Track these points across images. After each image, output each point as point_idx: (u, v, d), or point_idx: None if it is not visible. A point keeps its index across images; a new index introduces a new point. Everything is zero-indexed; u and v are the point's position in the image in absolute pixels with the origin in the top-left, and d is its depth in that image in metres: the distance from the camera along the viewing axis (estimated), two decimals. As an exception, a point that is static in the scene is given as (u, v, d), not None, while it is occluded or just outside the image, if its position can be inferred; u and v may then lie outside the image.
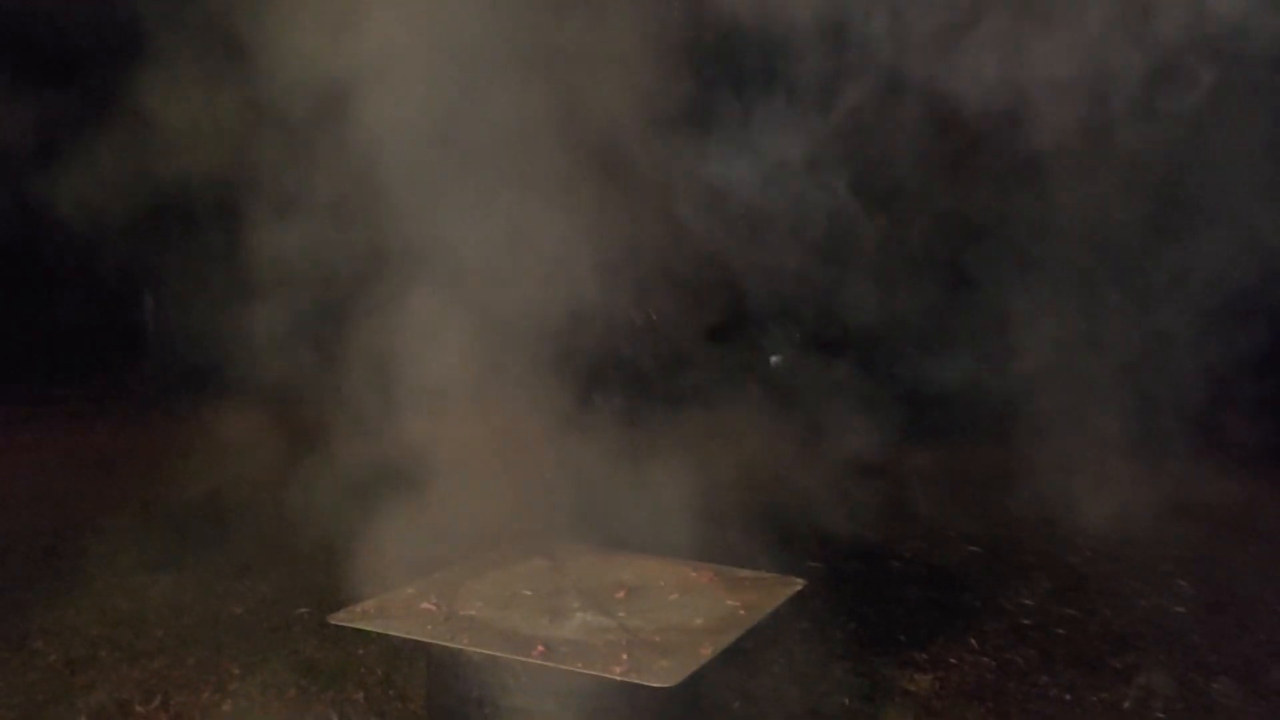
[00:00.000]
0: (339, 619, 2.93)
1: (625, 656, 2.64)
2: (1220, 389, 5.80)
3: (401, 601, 3.06)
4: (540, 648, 2.68)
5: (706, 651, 2.72)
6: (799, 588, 3.27)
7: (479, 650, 2.74)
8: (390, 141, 3.45)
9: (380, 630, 2.88)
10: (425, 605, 3.02)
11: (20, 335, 9.60)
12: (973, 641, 4.39)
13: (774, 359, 7.43)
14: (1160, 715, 3.78)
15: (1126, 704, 3.84)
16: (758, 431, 5.41)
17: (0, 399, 9.53)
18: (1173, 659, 4.24)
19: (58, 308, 8.61)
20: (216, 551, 5.30)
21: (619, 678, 2.54)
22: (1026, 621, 4.65)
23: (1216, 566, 5.56)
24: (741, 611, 3.05)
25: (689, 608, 3.07)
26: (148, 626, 4.34)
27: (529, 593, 3.17)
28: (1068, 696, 3.89)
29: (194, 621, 4.41)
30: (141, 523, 5.58)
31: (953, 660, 4.19)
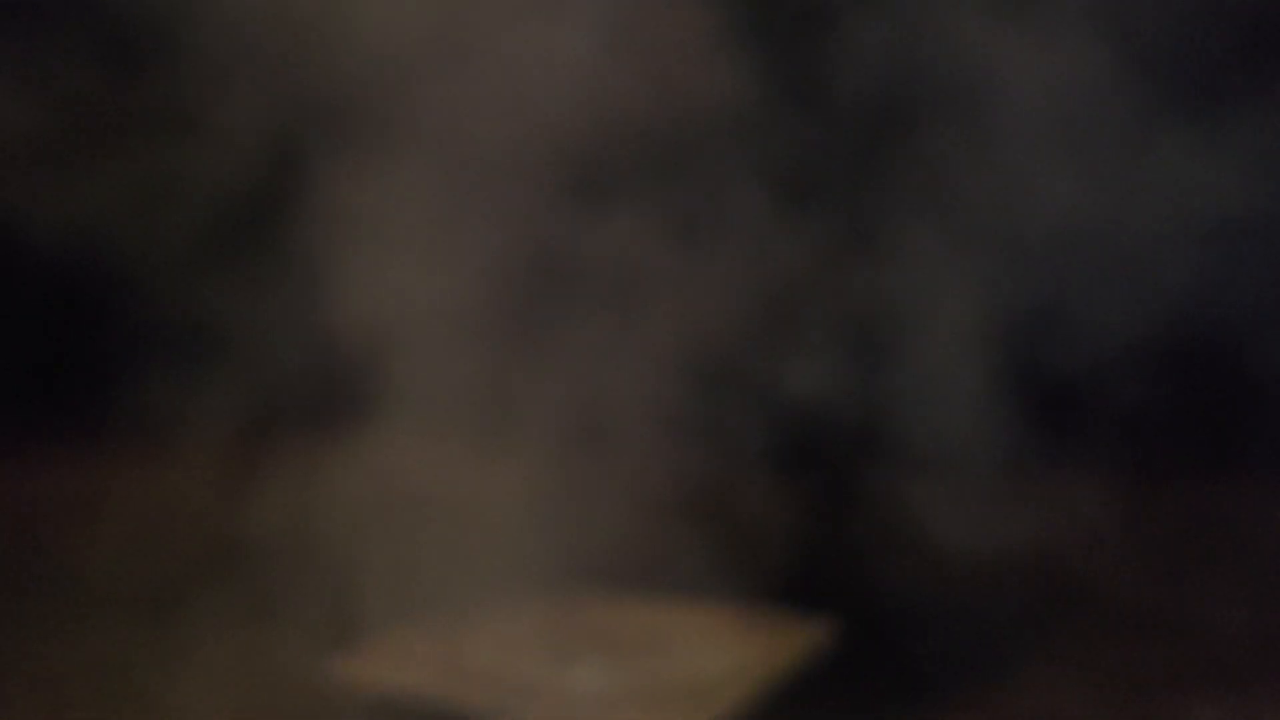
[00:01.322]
0: (330, 669, 2.88)
1: (640, 709, 2.55)
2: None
3: (396, 648, 2.97)
4: (549, 700, 2.58)
5: (729, 702, 2.63)
6: (828, 630, 3.20)
7: (482, 703, 2.65)
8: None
9: (372, 680, 2.80)
10: (422, 652, 2.93)
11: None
12: (1015, 684, 4.20)
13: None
14: (1218, 761, 3.58)
15: (1183, 748, 3.64)
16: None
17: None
18: (1228, 698, 4.04)
19: (29, 337, 8.52)
20: (203, 596, 5.17)
21: (634, 733, 2.40)
22: (1071, 661, 4.45)
23: (1271, 592, 5.37)
24: (766, 657, 2.95)
25: (708, 654, 2.97)
26: (132, 676, 4.19)
27: (536, 639, 3.08)
28: (1120, 743, 3.70)
29: (179, 671, 4.27)
30: (125, 566, 5.46)
31: (995, 705, 3.99)
